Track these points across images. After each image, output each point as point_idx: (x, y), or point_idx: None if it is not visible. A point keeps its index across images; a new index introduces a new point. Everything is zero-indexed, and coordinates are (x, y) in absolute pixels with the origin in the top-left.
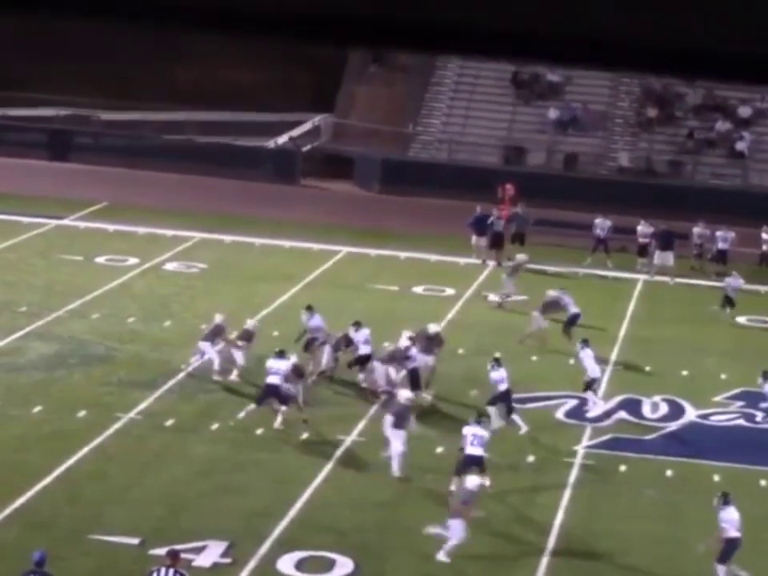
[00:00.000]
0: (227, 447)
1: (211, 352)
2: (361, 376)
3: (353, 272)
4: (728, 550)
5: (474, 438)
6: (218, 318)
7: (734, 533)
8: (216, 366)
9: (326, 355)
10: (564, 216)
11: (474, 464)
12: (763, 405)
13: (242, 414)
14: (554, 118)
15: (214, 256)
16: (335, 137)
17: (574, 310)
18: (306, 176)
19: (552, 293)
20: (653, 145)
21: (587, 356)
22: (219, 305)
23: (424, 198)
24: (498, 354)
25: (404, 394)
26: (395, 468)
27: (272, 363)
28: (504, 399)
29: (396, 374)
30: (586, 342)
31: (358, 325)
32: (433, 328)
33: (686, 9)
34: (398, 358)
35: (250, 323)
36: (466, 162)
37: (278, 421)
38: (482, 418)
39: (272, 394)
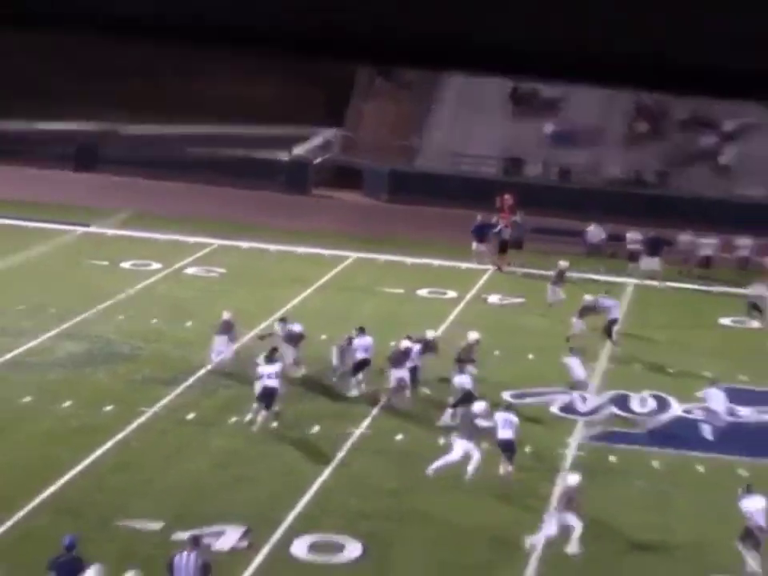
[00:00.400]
0: (244, 440)
1: (223, 347)
2: (360, 376)
3: (361, 276)
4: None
5: (505, 423)
6: (226, 315)
7: (756, 521)
8: (224, 359)
9: (334, 357)
10: (559, 224)
11: (505, 447)
12: (710, 409)
13: (249, 416)
14: (550, 132)
15: (231, 261)
16: (345, 149)
17: (614, 314)
18: (317, 186)
19: (588, 297)
20: (642, 157)
21: (574, 362)
22: (237, 307)
23: (428, 207)
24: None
25: (479, 406)
26: (434, 467)
27: (265, 368)
28: (467, 400)
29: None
30: (572, 350)
31: (361, 330)
32: (473, 336)
33: (673, 27)
34: (400, 359)
35: (296, 327)
36: (468, 173)
37: (258, 422)
38: (511, 405)
39: (269, 396)
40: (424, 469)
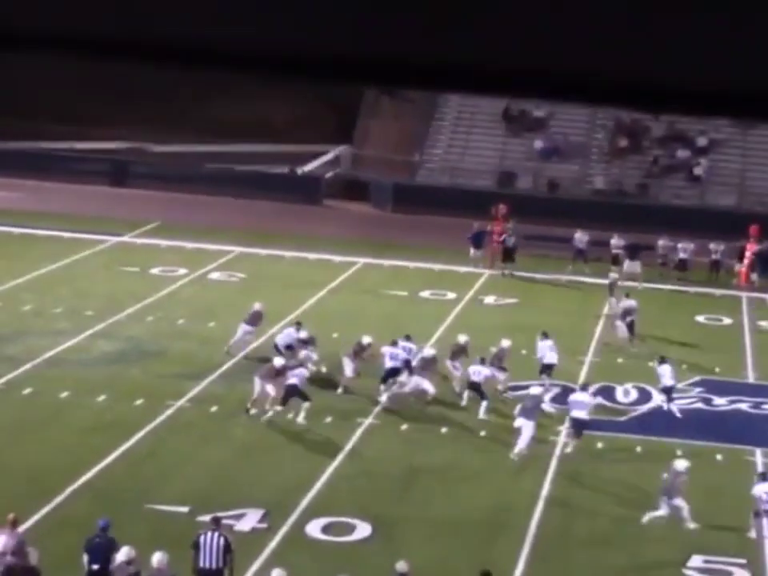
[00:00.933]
0: (262, 430)
1: (241, 334)
2: (382, 387)
3: (369, 279)
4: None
5: (577, 404)
6: (258, 306)
7: (763, 504)
8: (236, 341)
9: (346, 367)
10: (548, 231)
11: (575, 425)
12: (661, 385)
13: (269, 414)
14: (540, 147)
15: (251, 267)
16: (353, 165)
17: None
18: (328, 198)
19: (632, 302)
20: (623, 170)
21: (545, 346)
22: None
23: (429, 217)
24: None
25: (535, 390)
26: (517, 450)
27: (293, 370)
28: (475, 388)
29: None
30: (545, 335)
31: (393, 343)
32: (506, 342)
33: (650, 51)
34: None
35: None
36: (465, 186)
37: (301, 416)
38: (587, 385)
39: (293, 393)
40: (427, 455)
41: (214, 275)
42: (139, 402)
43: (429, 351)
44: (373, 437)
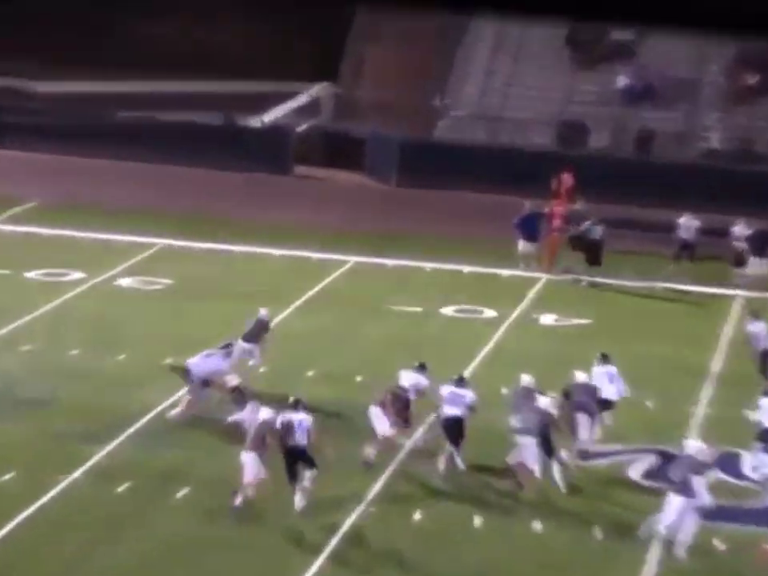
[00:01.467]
0: (198, 520)
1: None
2: (455, 453)
3: (363, 288)
4: None
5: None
6: (263, 312)
7: None
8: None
9: (377, 421)
10: (637, 213)
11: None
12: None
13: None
14: (623, 86)
15: (181, 268)
16: (339, 112)
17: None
18: (301, 163)
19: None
20: (752, 121)
21: (602, 374)
22: (188, 332)
23: (454, 192)
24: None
25: (696, 444)
26: (645, 528)
27: (293, 416)
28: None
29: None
30: (605, 358)
31: (460, 381)
32: (581, 377)
33: None
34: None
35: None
36: (510, 144)
37: (299, 497)
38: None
39: (300, 457)
40: (451, 558)
41: (125, 281)
42: (10, 475)
43: (543, 400)
44: (369, 531)
